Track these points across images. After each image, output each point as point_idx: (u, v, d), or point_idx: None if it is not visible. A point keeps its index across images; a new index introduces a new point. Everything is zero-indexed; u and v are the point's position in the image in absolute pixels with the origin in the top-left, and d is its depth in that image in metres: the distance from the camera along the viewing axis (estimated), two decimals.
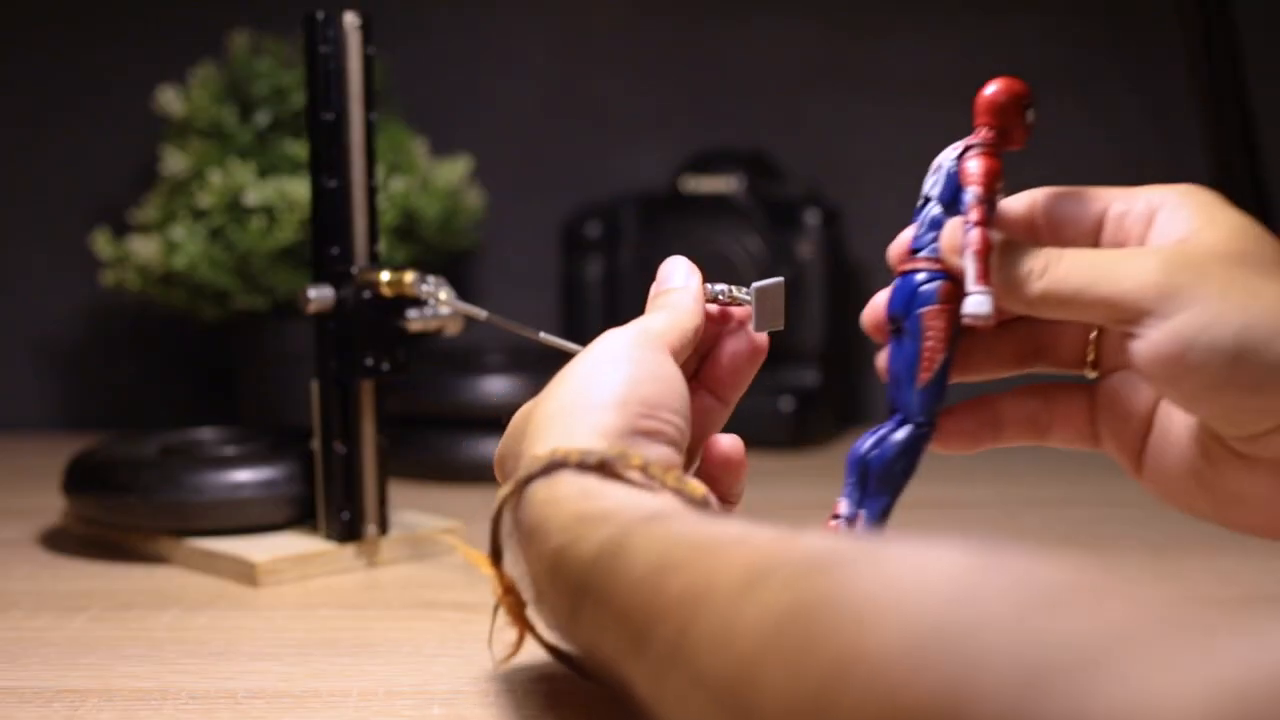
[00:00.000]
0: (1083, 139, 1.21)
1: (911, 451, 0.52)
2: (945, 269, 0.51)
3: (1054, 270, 0.46)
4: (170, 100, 1.05)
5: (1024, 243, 0.48)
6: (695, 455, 0.53)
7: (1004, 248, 0.47)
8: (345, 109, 0.73)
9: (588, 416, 0.47)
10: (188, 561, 0.75)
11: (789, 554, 0.35)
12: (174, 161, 1.03)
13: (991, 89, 0.50)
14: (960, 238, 0.48)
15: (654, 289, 0.54)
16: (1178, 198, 0.48)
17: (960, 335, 0.51)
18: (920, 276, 0.51)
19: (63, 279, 1.18)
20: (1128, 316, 0.45)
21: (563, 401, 0.48)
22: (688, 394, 0.50)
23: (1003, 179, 0.50)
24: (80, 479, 0.79)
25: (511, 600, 0.51)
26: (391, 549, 0.76)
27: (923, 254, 0.51)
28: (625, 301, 1.12)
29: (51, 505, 0.84)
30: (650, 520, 0.42)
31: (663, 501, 0.44)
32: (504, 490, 0.48)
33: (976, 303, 0.48)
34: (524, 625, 0.52)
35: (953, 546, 0.32)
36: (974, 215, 0.49)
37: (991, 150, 0.50)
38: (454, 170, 1.08)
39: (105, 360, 1.21)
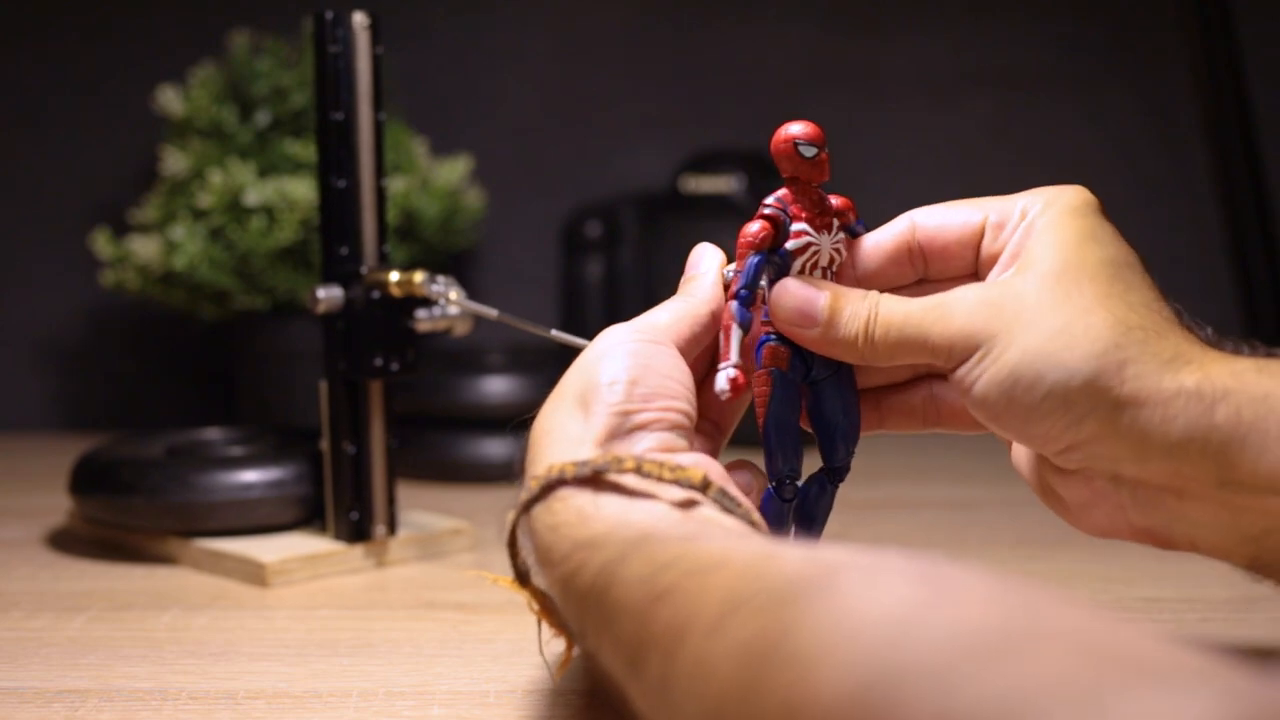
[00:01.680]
0: (1082, 139, 1.21)
1: (764, 513, 0.51)
2: (775, 329, 0.51)
3: (874, 329, 0.50)
4: (170, 100, 1.05)
5: (849, 296, 0.50)
6: (724, 433, 0.54)
7: (833, 305, 0.50)
8: (354, 109, 0.73)
9: (581, 426, 0.47)
10: (195, 562, 0.75)
11: (762, 581, 0.35)
12: (174, 161, 1.03)
13: (772, 142, 0.51)
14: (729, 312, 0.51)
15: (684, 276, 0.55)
16: (1041, 208, 0.50)
17: (805, 389, 0.52)
18: (762, 336, 0.51)
19: (63, 279, 1.18)
20: (939, 361, 0.49)
21: (558, 412, 0.49)
22: (689, 378, 0.50)
23: (779, 234, 0.51)
24: (87, 479, 0.78)
25: (549, 614, 0.51)
26: (400, 549, 0.76)
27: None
28: (625, 301, 1.12)
29: (51, 505, 0.84)
30: (640, 543, 0.42)
31: (657, 515, 0.45)
32: (510, 515, 0.48)
33: (717, 379, 0.50)
34: (569, 636, 0.52)
35: (908, 576, 0.32)
36: (731, 288, 0.51)
37: (777, 206, 0.51)
38: (454, 170, 1.08)
39: (105, 360, 1.21)
